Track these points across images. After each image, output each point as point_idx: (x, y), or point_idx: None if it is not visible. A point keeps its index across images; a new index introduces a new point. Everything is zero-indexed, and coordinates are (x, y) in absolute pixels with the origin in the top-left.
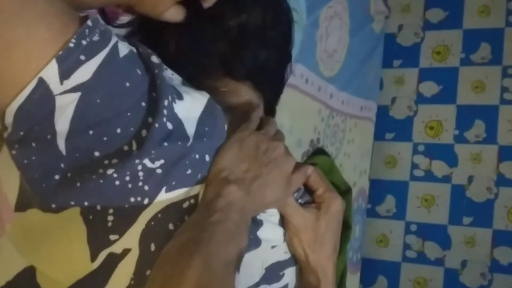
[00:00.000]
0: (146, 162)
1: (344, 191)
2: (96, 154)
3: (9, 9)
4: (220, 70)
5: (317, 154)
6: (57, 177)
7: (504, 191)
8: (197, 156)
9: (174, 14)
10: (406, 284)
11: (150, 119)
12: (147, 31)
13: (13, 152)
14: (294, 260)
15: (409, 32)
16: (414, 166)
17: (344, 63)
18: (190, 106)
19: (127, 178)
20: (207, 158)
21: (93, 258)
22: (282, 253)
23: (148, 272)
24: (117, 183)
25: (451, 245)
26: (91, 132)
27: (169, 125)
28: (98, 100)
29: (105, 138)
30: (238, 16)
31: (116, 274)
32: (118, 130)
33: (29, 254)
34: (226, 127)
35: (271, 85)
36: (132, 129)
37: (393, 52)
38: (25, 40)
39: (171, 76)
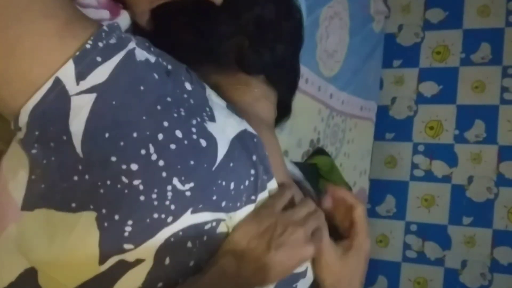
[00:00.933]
0: (176, 182)
1: None
2: (113, 159)
3: (17, 5)
4: (235, 66)
5: (317, 154)
6: (75, 178)
7: (504, 191)
8: (223, 183)
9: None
10: (406, 284)
11: (165, 124)
12: (162, 28)
13: (33, 151)
14: (305, 272)
15: (409, 32)
16: (414, 166)
17: (344, 63)
18: (223, 129)
19: (154, 196)
20: (232, 185)
21: (102, 261)
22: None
23: (159, 285)
24: (142, 198)
25: (451, 245)
26: (107, 135)
27: (203, 143)
28: (114, 102)
29: (122, 143)
30: (252, 9)
31: (124, 281)
32: (135, 135)
33: (33, 255)
34: (265, 152)
35: (286, 79)
36: (148, 133)
37: (393, 52)
38: (31, 36)
39: (215, 99)
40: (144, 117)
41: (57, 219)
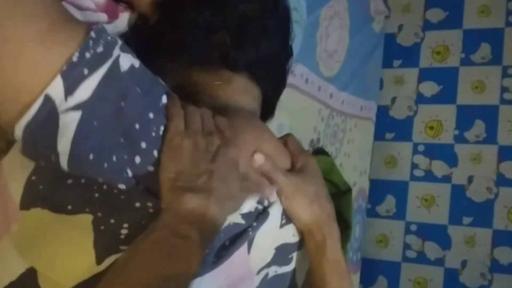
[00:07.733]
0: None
1: (344, 191)
2: (100, 180)
3: (2, 9)
4: (217, 62)
5: (317, 154)
6: (70, 181)
7: (504, 191)
8: None
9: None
10: (406, 284)
11: (143, 145)
12: (145, 24)
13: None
14: (300, 243)
15: (409, 32)
16: (414, 166)
17: (344, 63)
18: None
19: (149, 204)
20: None
21: (99, 261)
22: (290, 236)
23: None
24: (137, 204)
25: (451, 245)
26: (91, 157)
27: None
28: (95, 123)
29: (105, 165)
30: (237, 6)
31: None
32: (114, 158)
33: (31, 254)
34: None
35: (271, 78)
36: (125, 156)
37: (393, 52)
38: (14, 42)
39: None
40: (122, 140)
41: (54, 220)
